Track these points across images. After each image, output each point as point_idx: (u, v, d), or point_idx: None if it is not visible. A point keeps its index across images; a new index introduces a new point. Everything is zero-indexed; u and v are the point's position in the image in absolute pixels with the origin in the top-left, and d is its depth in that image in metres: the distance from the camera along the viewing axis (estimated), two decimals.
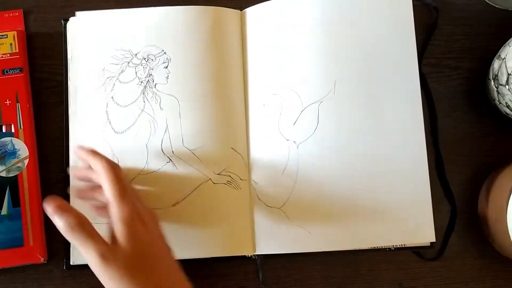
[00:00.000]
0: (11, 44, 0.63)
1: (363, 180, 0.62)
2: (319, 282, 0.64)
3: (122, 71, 0.64)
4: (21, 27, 0.66)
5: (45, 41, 0.66)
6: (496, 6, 0.67)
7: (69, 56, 0.65)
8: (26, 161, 0.62)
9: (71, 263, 0.62)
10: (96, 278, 0.63)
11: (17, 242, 0.61)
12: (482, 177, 0.66)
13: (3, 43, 0.64)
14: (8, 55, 0.63)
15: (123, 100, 0.63)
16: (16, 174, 0.62)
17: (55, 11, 0.67)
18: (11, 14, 0.66)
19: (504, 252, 0.63)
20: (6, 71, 0.63)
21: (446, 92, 0.67)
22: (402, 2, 0.65)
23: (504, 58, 0.60)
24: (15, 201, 0.61)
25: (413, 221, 0.62)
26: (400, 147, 0.63)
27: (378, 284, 0.64)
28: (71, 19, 0.65)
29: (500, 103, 0.62)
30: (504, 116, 0.65)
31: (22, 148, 0.62)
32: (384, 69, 0.64)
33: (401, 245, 0.63)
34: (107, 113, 0.64)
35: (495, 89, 0.62)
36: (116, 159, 0.62)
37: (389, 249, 0.63)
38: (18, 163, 0.62)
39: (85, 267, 0.62)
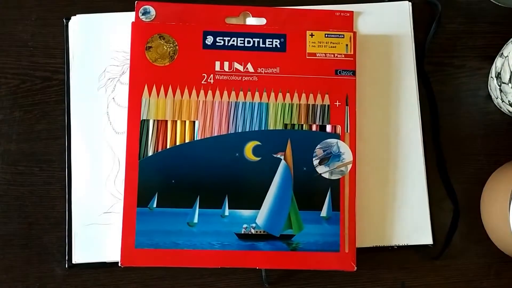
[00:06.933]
0: (347, 45, 0.62)
1: (361, 180, 0.62)
2: (321, 280, 0.64)
3: (123, 73, 0.64)
4: (352, 28, 0.64)
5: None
6: (499, 4, 0.66)
7: (71, 56, 0.65)
8: (349, 166, 0.61)
9: (73, 262, 0.62)
10: (96, 278, 0.63)
11: (333, 247, 0.60)
12: (484, 176, 0.66)
13: (339, 43, 0.62)
14: (343, 56, 0.62)
15: (124, 101, 0.62)
16: (338, 177, 0.61)
17: (57, 10, 0.67)
18: (343, 14, 0.64)
19: (507, 251, 0.63)
20: (339, 72, 0.62)
21: (448, 90, 0.67)
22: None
23: (507, 56, 0.59)
24: (335, 205, 0.60)
25: (410, 224, 0.63)
26: (396, 148, 0.64)
27: (380, 283, 0.64)
28: (73, 18, 0.65)
29: (502, 101, 0.62)
30: (507, 114, 0.65)
31: (346, 152, 0.61)
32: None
33: (404, 243, 0.63)
34: (107, 114, 0.64)
35: (498, 87, 0.62)
36: (116, 159, 0.63)
37: (392, 247, 0.63)
38: (341, 167, 0.60)
39: (86, 266, 0.62)
